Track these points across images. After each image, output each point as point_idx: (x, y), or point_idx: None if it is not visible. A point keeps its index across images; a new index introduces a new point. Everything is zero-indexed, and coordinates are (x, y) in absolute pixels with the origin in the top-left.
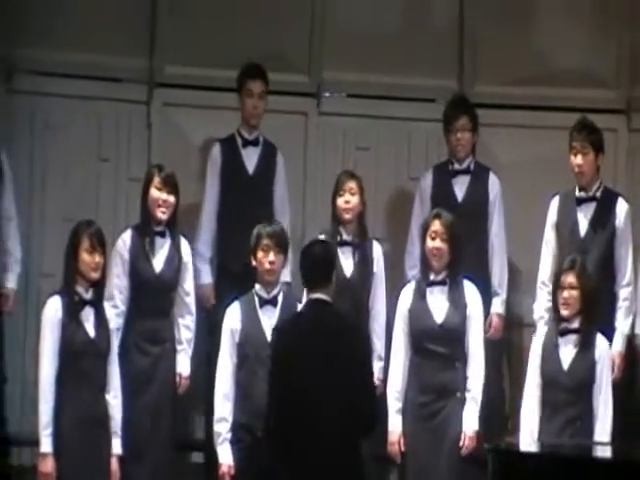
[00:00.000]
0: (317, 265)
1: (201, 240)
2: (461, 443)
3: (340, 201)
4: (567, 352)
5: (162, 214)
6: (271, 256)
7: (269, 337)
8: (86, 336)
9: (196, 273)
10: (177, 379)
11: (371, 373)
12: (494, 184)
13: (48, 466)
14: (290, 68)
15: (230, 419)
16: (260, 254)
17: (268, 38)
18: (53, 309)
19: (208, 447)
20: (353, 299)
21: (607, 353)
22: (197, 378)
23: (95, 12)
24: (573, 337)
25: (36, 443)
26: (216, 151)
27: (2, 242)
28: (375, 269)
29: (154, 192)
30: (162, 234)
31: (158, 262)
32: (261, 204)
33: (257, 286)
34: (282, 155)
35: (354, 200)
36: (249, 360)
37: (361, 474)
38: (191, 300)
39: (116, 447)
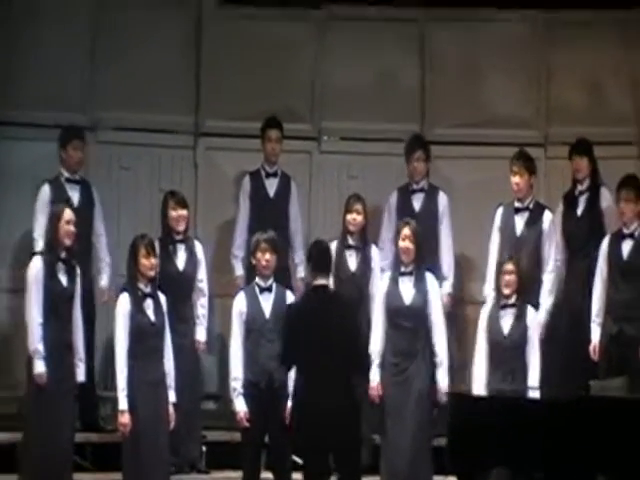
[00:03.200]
0: (321, 258)
1: (235, 245)
2: (437, 396)
3: (349, 217)
4: (506, 321)
5: (180, 226)
6: (267, 256)
7: (268, 315)
8: (148, 321)
9: (232, 268)
10: (197, 345)
11: (360, 335)
12: (442, 199)
13: (125, 418)
14: (297, 119)
15: (241, 377)
16: (259, 254)
17: (281, 97)
18: (123, 302)
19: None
20: (357, 288)
21: (535, 322)
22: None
23: (153, 81)
24: (511, 310)
25: (116, 401)
26: (246, 181)
27: (96, 252)
28: (373, 265)
29: (171, 211)
30: (181, 240)
31: (180, 261)
32: (279, 220)
33: (257, 278)
34: (295, 185)
35: (359, 218)
36: (253, 333)
37: (357, 409)
38: (204, 286)
39: (172, 397)
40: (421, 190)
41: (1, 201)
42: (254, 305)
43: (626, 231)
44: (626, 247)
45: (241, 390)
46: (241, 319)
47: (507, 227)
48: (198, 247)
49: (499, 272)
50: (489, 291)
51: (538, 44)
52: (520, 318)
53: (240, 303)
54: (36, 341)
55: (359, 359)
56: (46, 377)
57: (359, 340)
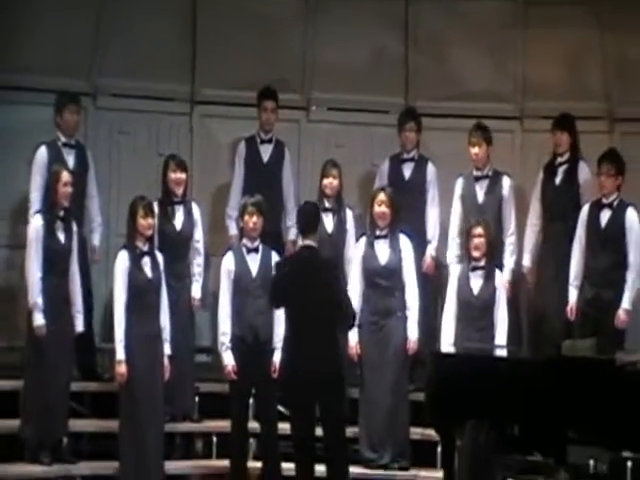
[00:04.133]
0: (308, 219)
1: (230, 206)
2: (408, 346)
3: (325, 181)
4: (476, 282)
5: (178, 189)
6: (254, 218)
7: (254, 274)
8: (145, 277)
9: (227, 227)
10: (192, 301)
11: (343, 290)
12: (431, 169)
13: (122, 368)
14: (288, 90)
15: (229, 332)
16: (246, 217)
17: (273, 68)
18: (122, 259)
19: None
20: (334, 249)
21: (502, 282)
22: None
23: (152, 51)
24: (480, 272)
25: (113, 353)
26: (242, 146)
27: (88, 213)
28: (348, 227)
29: (171, 174)
30: (179, 202)
31: (178, 222)
32: (272, 184)
33: (244, 239)
34: (288, 151)
35: (335, 182)
36: (240, 291)
37: (341, 361)
38: (200, 246)
39: (167, 350)
40: (411, 159)
41: (1, 162)
42: (242, 264)
43: (605, 201)
44: (604, 217)
45: (229, 344)
46: (229, 277)
47: (468, 195)
48: (195, 209)
49: (468, 235)
50: (452, 258)
51: (515, 22)
52: (489, 279)
53: (228, 262)
54: (35, 295)
55: (344, 314)
56: (45, 329)
57: (344, 297)
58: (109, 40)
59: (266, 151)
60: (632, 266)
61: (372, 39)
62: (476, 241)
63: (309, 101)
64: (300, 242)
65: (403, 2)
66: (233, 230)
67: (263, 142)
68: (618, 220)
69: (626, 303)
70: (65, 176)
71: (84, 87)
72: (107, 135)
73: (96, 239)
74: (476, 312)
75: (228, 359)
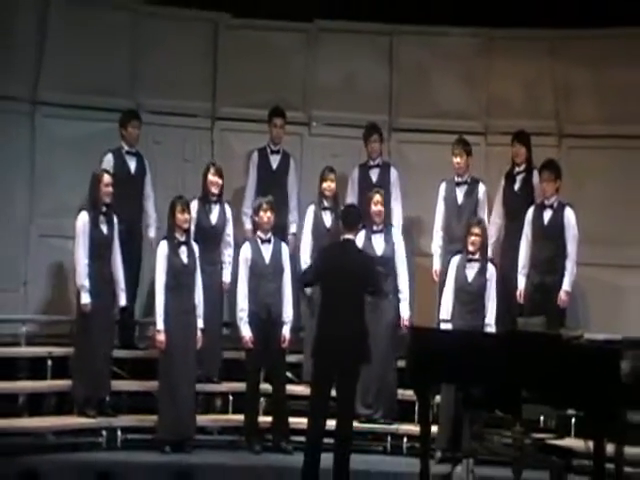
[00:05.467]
0: (352, 217)
1: (245, 205)
2: (402, 323)
3: (324, 185)
4: (471, 272)
5: (215, 189)
6: (268, 214)
7: (267, 261)
8: (181, 262)
9: (242, 223)
10: (223, 285)
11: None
12: (393, 173)
13: (161, 336)
14: (292, 108)
15: (246, 308)
16: (261, 213)
17: (280, 90)
18: (163, 248)
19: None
20: (333, 239)
21: (494, 274)
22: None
23: (181, 76)
24: (475, 264)
25: (152, 326)
26: (255, 155)
27: (145, 210)
28: None
29: (210, 177)
30: (215, 201)
31: (213, 217)
32: (279, 187)
33: (258, 232)
34: (293, 161)
35: (332, 185)
36: (255, 275)
37: (366, 332)
38: (231, 239)
39: (199, 324)
40: (377, 166)
41: (61, 168)
42: (257, 253)
43: (547, 203)
44: (547, 215)
45: (246, 319)
46: (246, 264)
47: (450, 198)
48: (228, 208)
49: (467, 232)
50: (436, 248)
51: (482, 54)
52: (482, 270)
53: (246, 251)
54: (82, 278)
55: (378, 286)
56: (90, 306)
57: (377, 275)
58: (145, 67)
59: (275, 160)
60: (570, 255)
61: (362, 66)
62: (472, 238)
63: (310, 118)
64: (342, 234)
65: (388, 36)
66: (248, 225)
67: (273, 152)
68: (558, 218)
69: (566, 285)
70: (106, 178)
71: (126, 105)
72: (144, 144)
73: (152, 232)
74: (469, 296)
75: (246, 331)
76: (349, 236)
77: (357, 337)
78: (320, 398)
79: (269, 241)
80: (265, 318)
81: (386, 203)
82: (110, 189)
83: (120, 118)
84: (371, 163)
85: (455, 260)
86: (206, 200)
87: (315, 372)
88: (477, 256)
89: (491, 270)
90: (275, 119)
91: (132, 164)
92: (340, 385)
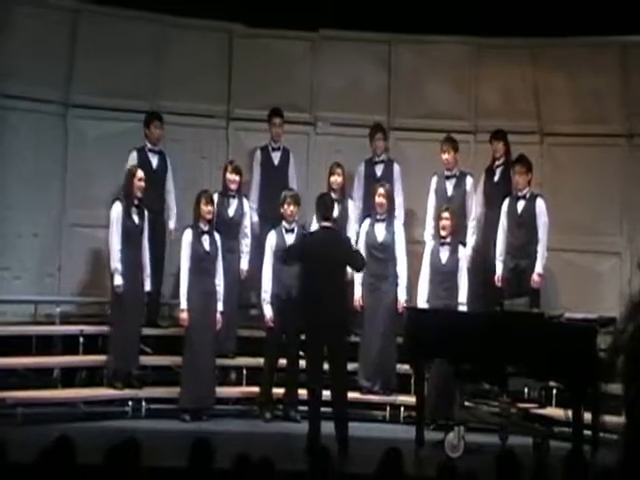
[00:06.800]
0: (326, 205)
1: (251, 199)
2: (399, 305)
3: (332, 179)
4: (444, 254)
5: (233, 186)
6: (292, 207)
7: None
8: (203, 250)
9: (250, 216)
10: (241, 273)
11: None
12: (396, 168)
13: (184, 314)
14: (299, 110)
15: (269, 290)
16: (285, 206)
17: (288, 94)
18: (187, 235)
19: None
20: (339, 228)
21: (464, 255)
22: (253, 271)
23: (198, 80)
24: (447, 247)
25: (174, 308)
26: (258, 153)
27: (167, 203)
28: (350, 214)
29: (228, 175)
30: (233, 196)
31: (231, 210)
32: (281, 181)
33: (284, 222)
34: (293, 156)
35: (340, 179)
36: (279, 260)
37: (347, 313)
38: (247, 230)
39: (220, 306)
40: (381, 162)
41: (90, 165)
42: (280, 240)
43: (520, 194)
44: (520, 206)
45: (269, 300)
46: (272, 250)
47: (440, 189)
48: (245, 202)
49: (438, 219)
50: (428, 236)
51: (471, 61)
52: (454, 252)
53: (272, 239)
54: (116, 261)
55: (358, 262)
56: (122, 288)
57: (355, 252)
58: (165, 73)
59: (276, 157)
60: (541, 241)
61: (363, 72)
62: (443, 223)
63: (316, 118)
64: (319, 223)
65: (387, 44)
66: (254, 217)
67: (274, 150)
68: (530, 208)
69: (539, 268)
70: (139, 173)
71: (148, 107)
72: (165, 143)
73: (172, 224)
74: (443, 277)
75: (267, 311)
76: (326, 223)
77: (342, 314)
78: (316, 369)
79: (292, 231)
80: (285, 299)
81: (390, 196)
82: (142, 184)
83: (144, 119)
84: (376, 159)
85: (429, 246)
86: (225, 194)
87: (308, 347)
88: (449, 239)
89: (462, 251)
90: (274, 119)
91: (154, 161)
92: (332, 358)
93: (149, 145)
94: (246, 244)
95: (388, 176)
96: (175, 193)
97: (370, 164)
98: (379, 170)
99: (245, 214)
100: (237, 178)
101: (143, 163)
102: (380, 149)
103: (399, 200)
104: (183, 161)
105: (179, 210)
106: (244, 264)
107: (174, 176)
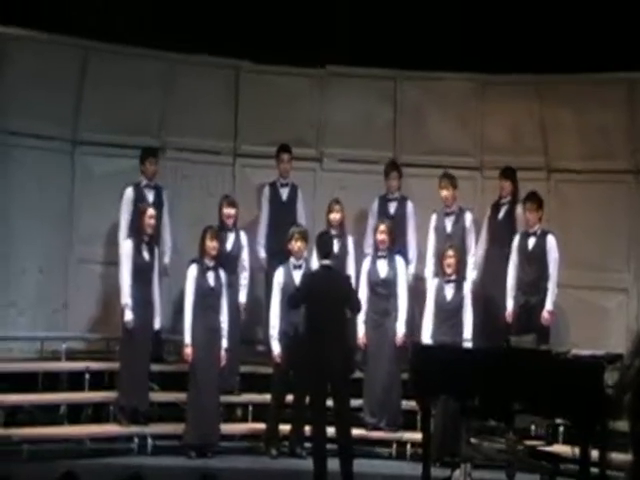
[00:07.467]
0: (326, 245)
1: (259, 234)
2: (397, 339)
3: (331, 216)
4: (449, 292)
5: (230, 220)
6: (299, 243)
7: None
8: (208, 286)
9: (257, 252)
10: (239, 306)
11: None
12: (410, 206)
13: (188, 350)
14: (306, 146)
15: (277, 327)
16: (293, 242)
17: (295, 130)
18: (192, 270)
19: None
20: (339, 265)
21: (469, 292)
22: (257, 307)
23: (205, 117)
24: (452, 284)
25: (177, 344)
26: (266, 189)
27: (162, 238)
28: (349, 250)
29: (224, 209)
30: (230, 230)
31: (228, 245)
32: (290, 217)
33: (292, 259)
34: (301, 192)
35: (338, 215)
36: (286, 296)
37: (349, 351)
38: (246, 264)
39: (224, 343)
40: (395, 199)
41: (90, 200)
42: (288, 278)
43: (530, 231)
44: (531, 242)
45: (277, 336)
46: (279, 287)
47: (440, 226)
48: (243, 236)
49: (443, 256)
50: (429, 274)
51: (476, 97)
52: (458, 289)
53: (279, 276)
54: (127, 297)
55: (355, 304)
56: (133, 323)
57: (354, 294)
58: (172, 110)
59: (284, 192)
60: (552, 277)
61: (369, 108)
62: (449, 261)
63: (322, 154)
64: (320, 262)
65: (392, 80)
66: (262, 254)
67: (282, 186)
68: (541, 244)
69: (549, 305)
70: (150, 211)
71: (155, 143)
72: (173, 178)
73: (167, 258)
74: (448, 314)
75: (275, 347)
76: (326, 262)
77: (344, 351)
78: (321, 408)
79: (300, 267)
80: (293, 336)
81: (402, 233)
82: (153, 221)
83: (140, 155)
84: (390, 196)
85: (434, 283)
86: (222, 229)
87: (313, 384)
88: (453, 277)
89: (466, 288)
90: (282, 154)
91: (150, 196)
92: (336, 396)
93: (145, 181)
94: (244, 277)
95: (401, 213)
96: (172, 228)
97: (384, 201)
98: (392, 207)
99: (243, 247)
100: (233, 212)
101: (139, 199)
102: (394, 187)
103: (413, 238)
104: (190, 197)
105: (184, 245)
106: (242, 297)
107: (180, 212)
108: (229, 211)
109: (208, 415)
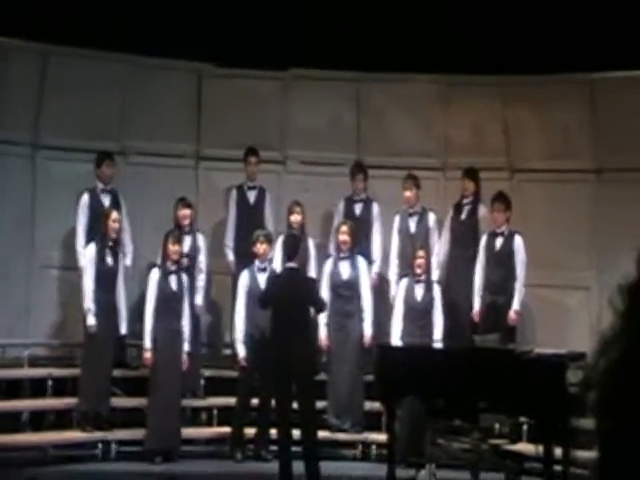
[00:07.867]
0: (292, 246)
1: (227, 238)
2: (365, 340)
3: (292, 217)
4: (419, 292)
5: (186, 221)
6: (264, 246)
7: (262, 287)
8: (170, 290)
9: (225, 254)
10: (196, 308)
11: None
12: (375, 207)
13: (148, 354)
14: (269, 149)
15: (243, 330)
16: (258, 245)
17: (258, 133)
18: (154, 274)
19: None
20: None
21: (439, 292)
22: (223, 309)
23: (167, 120)
24: (421, 284)
25: (142, 345)
26: (234, 192)
27: (122, 242)
28: (310, 251)
29: (180, 210)
30: (187, 232)
31: (185, 247)
32: (257, 220)
33: (256, 261)
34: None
35: (299, 217)
36: (251, 300)
37: (313, 353)
38: (203, 265)
39: (186, 347)
40: (361, 200)
41: (50, 205)
42: (253, 281)
43: (498, 231)
44: (498, 242)
45: (243, 339)
46: (244, 290)
47: (404, 227)
48: (200, 237)
49: (413, 257)
50: (392, 276)
51: (439, 99)
52: (428, 289)
53: (244, 279)
54: (89, 302)
55: (318, 304)
56: (95, 328)
57: (317, 295)
58: (133, 111)
59: (252, 196)
60: (519, 278)
61: (333, 110)
62: (418, 261)
63: (286, 157)
64: (285, 264)
65: (356, 82)
66: (230, 257)
67: (250, 189)
68: (508, 245)
69: (516, 305)
70: (114, 215)
71: (116, 147)
72: (135, 183)
73: (128, 261)
74: (418, 314)
75: (240, 351)
76: (291, 264)
77: (308, 353)
78: (286, 410)
79: (265, 270)
80: (259, 339)
81: (367, 235)
82: (117, 225)
83: (95, 159)
84: (356, 197)
85: (403, 283)
86: (179, 231)
87: (277, 388)
88: (423, 277)
89: (436, 288)
90: (250, 157)
91: (106, 201)
92: (301, 398)
93: (101, 185)
94: (201, 279)
95: (367, 215)
96: (133, 232)
97: (349, 202)
98: (358, 209)
99: (200, 249)
100: (188, 212)
101: (95, 204)
102: (360, 189)
103: (378, 240)
104: (153, 201)
105: (148, 250)
106: (199, 300)
107: (144, 216)
108: (184, 212)
109: (169, 419)
